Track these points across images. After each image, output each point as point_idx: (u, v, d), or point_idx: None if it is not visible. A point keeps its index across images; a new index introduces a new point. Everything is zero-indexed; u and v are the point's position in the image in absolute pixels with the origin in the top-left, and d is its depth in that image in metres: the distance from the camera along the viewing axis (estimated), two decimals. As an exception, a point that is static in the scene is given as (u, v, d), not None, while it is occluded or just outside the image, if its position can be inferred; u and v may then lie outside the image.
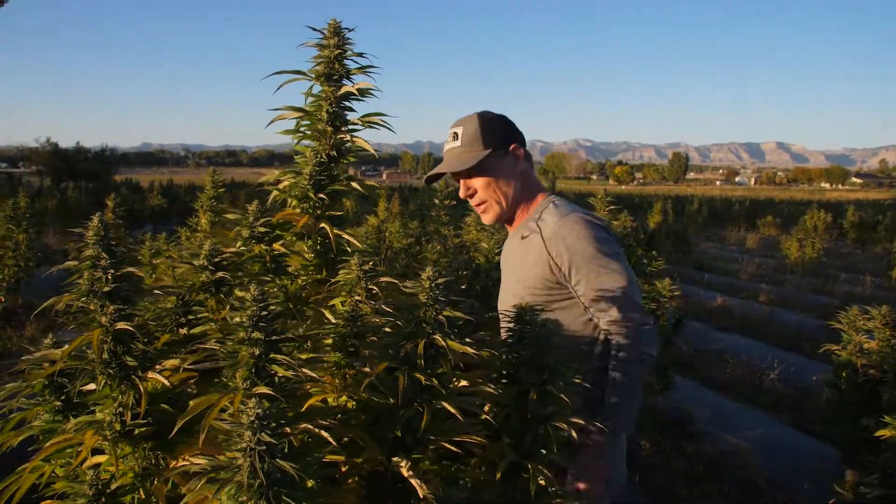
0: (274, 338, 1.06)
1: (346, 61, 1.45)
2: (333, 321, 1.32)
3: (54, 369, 1.13)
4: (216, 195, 5.69)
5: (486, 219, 2.32)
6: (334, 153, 1.43)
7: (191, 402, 1.05)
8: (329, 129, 1.41)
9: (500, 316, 2.31)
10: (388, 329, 1.34)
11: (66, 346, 1.09)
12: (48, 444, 1.15)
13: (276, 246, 1.38)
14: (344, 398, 1.35)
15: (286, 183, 1.49)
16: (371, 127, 1.49)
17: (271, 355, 1.05)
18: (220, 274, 1.35)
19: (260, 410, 0.88)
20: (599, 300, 2.17)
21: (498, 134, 2.27)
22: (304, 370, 1.06)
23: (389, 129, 1.48)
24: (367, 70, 1.46)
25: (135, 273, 1.13)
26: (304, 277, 1.44)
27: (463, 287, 3.74)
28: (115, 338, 1.08)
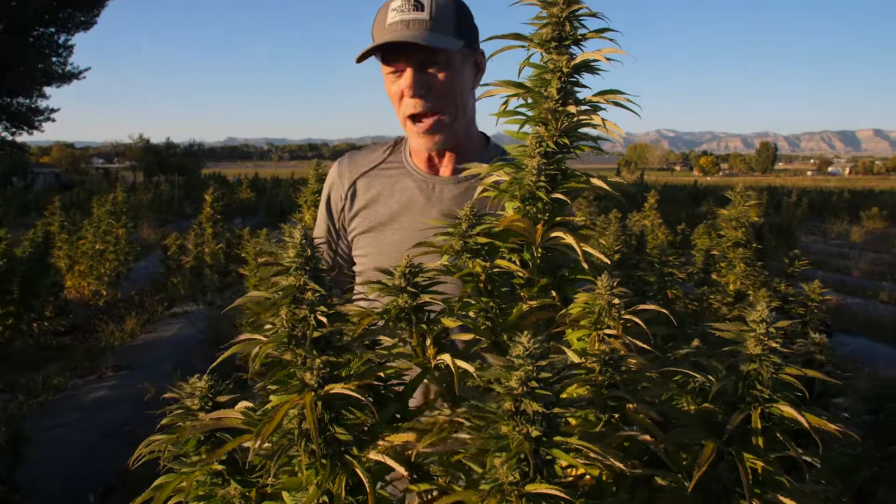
0: (556, 411, 0.72)
1: (575, 23, 1.10)
2: (581, 363, 0.97)
3: (235, 444, 0.82)
4: (320, 189, 5.45)
5: (429, 143, 1.73)
6: (565, 141, 1.08)
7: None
8: (568, 108, 1.06)
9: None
10: (652, 375, 1.00)
11: (260, 416, 0.78)
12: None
13: (500, 263, 1.05)
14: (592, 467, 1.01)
15: (495, 177, 1.15)
16: (599, 108, 1.13)
17: (555, 437, 0.71)
18: (423, 297, 1.02)
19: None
20: None
21: (471, 28, 1.75)
22: (600, 455, 0.71)
23: (635, 113, 1.12)
24: (604, 34, 1.11)
25: (354, 310, 0.81)
26: (533, 302, 1.10)
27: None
28: (325, 403, 0.76)
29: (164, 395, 1.10)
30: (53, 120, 30.94)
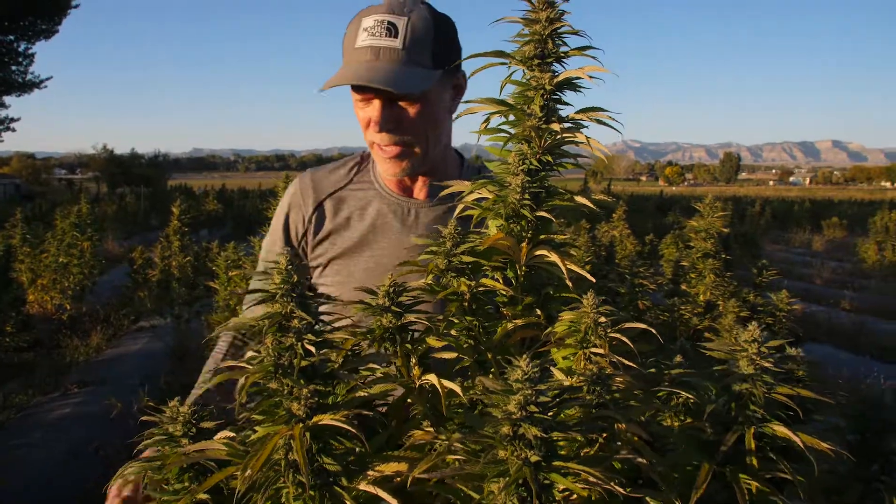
0: (556, 435, 0.71)
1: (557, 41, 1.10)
2: (568, 382, 0.97)
3: (221, 477, 0.79)
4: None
5: (396, 169, 1.61)
6: (548, 158, 1.08)
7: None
8: (553, 126, 1.05)
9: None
10: (638, 393, 0.99)
11: (245, 447, 0.76)
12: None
13: (486, 282, 1.03)
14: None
15: (477, 195, 1.14)
16: (581, 126, 1.13)
17: (554, 462, 0.70)
18: (408, 317, 1.00)
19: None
20: None
21: (452, 49, 1.59)
22: (597, 478, 0.70)
23: (617, 131, 1.12)
24: (586, 51, 1.11)
25: (343, 339, 0.79)
26: (518, 321, 1.08)
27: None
28: (313, 433, 0.74)
29: (142, 419, 1.06)
30: (13, 130, 30.35)
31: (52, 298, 9.14)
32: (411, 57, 1.49)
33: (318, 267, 1.75)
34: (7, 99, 29.54)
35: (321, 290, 1.75)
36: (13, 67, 28.65)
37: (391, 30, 1.48)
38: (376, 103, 1.53)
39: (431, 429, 1.07)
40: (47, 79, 29.94)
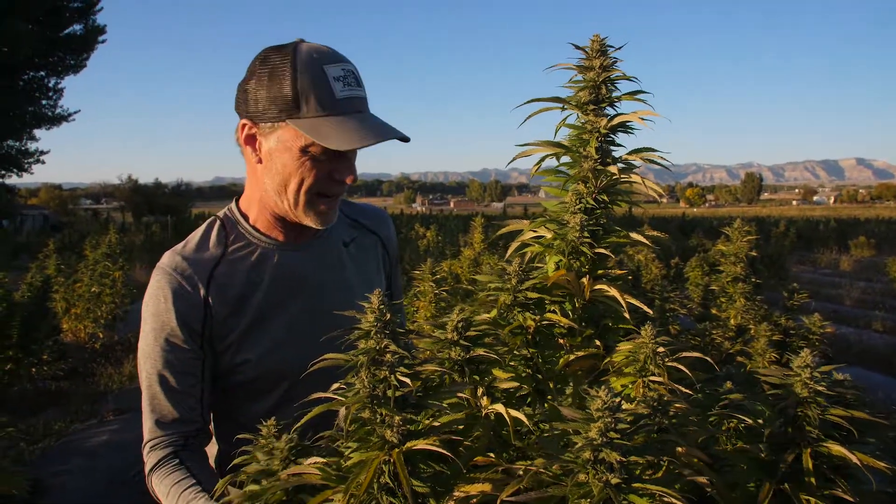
0: (633, 459, 0.77)
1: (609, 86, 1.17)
2: (630, 409, 1.02)
3: (320, 500, 0.85)
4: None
5: (333, 216, 1.58)
6: (604, 197, 1.15)
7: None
8: (610, 168, 1.12)
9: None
10: (695, 418, 1.05)
11: (350, 478, 0.81)
12: None
13: (551, 316, 1.10)
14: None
15: (532, 232, 1.21)
16: (633, 166, 1.20)
17: (633, 484, 0.76)
18: (477, 351, 1.06)
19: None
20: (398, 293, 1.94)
21: None
22: (675, 497, 0.76)
23: (667, 168, 1.19)
24: (637, 96, 1.18)
25: (430, 369, 0.86)
26: (580, 352, 1.15)
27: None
28: (404, 458, 0.81)
29: (238, 462, 1.07)
30: (43, 162, 31.07)
31: (85, 327, 9.31)
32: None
33: (229, 345, 1.56)
34: (37, 132, 30.29)
35: (240, 369, 1.59)
36: (43, 102, 29.41)
37: (358, 79, 1.49)
38: (351, 157, 1.52)
39: (493, 455, 1.13)
40: (75, 112, 30.65)
